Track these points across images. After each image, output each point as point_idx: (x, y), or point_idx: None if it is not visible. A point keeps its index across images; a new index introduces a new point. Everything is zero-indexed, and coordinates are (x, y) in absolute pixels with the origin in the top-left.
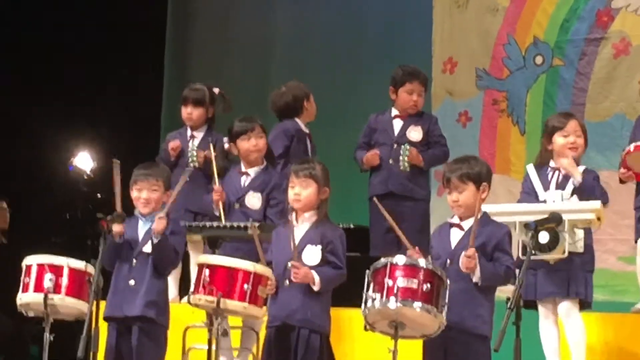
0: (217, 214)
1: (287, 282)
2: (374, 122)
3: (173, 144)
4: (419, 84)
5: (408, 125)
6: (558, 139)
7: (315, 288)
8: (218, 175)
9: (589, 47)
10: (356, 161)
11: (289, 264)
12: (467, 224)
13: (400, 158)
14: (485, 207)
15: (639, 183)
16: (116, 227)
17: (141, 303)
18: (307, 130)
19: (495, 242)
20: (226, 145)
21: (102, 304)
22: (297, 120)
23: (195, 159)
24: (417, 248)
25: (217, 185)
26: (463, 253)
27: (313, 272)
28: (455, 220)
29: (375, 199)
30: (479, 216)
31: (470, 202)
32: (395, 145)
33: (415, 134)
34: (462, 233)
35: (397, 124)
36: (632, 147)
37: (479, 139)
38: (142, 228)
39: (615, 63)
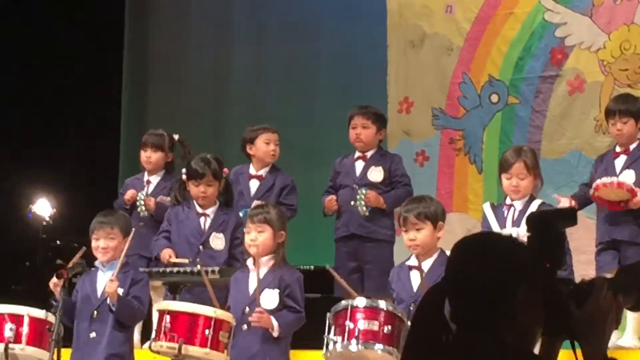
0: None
1: (245, 326)
2: (338, 166)
3: (128, 194)
4: (359, 117)
5: (369, 167)
6: (503, 180)
7: (275, 334)
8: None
9: (544, 85)
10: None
11: (247, 309)
12: (426, 265)
13: (358, 203)
14: (446, 252)
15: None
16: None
17: (103, 355)
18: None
19: None
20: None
21: (63, 352)
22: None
23: (143, 207)
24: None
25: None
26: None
27: (272, 318)
28: (414, 262)
29: (329, 269)
30: (436, 255)
31: (428, 241)
32: (355, 186)
33: (376, 174)
34: (420, 275)
35: (359, 166)
36: (600, 183)
37: (436, 178)
38: (101, 279)
39: (571, 100)
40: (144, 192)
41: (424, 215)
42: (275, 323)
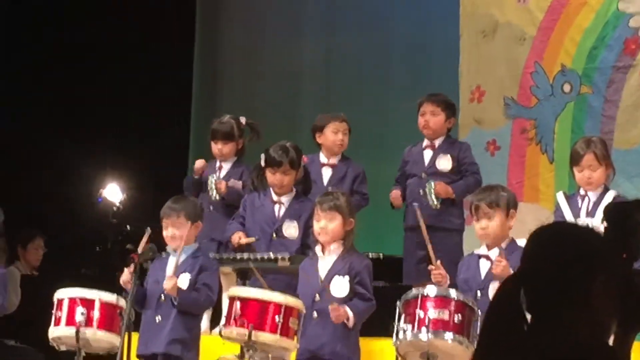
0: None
1: (315, 314)
2: (407, 155)
3: (198, 163)
4: (428, 104)
5: (437, 155)
6: (575, 172)
7: (350, 324)
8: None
9: (617, 75)
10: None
11: (317, 297)
12: (494, 253)
13: (428, 197)
14: (518, 240)
15: None
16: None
17: (166, 340)
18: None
19: None
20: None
21: (134, 336)
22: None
23: (214, 191)
24: (438, 264)
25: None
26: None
27: (347, 308)
28: (483, 251)
29: (415, 205)
30: (504, 245)
31: (499, 230)
32: (424, 175)
33: (444, 163)
34: (489, 263)
35: (427, 155)
36: None
37: (507, 167)
38: (171, 264)
39: None
40: (216, 176)
41: (495, 204)
42: (350, 314)
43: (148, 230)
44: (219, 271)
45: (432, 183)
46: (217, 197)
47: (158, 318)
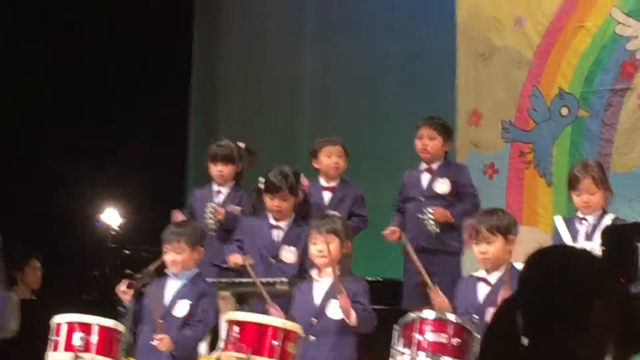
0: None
1: (313, 337)
2: (406, 178)
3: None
4: (426, 128)
5: (435, 178)
6: (573, 197)
7: (352, 322)
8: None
9: (615, 98)
10: None
11: (314, 320)
12: (494, 277)
13: (427, 223)
14: (515, 264)
15: None
16: (123, 290)
17: None
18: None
19: None
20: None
21: None
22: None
23: (212, 218)
24: (436, 288)
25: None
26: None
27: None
28: (482, 274)
29: (403, 235)
30: (503, 269)
31: (499, 255)
32: (422, 199)
33: (441, 186)
34: (489, 288)
35: (425, 178)
36: None
37: (506, 191)
38: (170, 286)
39: None
40: (214, 202)
41: (495, 228)
42: (353, 313)
43: (159, 260)
44: (217, 296)
45: (430, 209)
46: (214, 226)
47: (155, 342)
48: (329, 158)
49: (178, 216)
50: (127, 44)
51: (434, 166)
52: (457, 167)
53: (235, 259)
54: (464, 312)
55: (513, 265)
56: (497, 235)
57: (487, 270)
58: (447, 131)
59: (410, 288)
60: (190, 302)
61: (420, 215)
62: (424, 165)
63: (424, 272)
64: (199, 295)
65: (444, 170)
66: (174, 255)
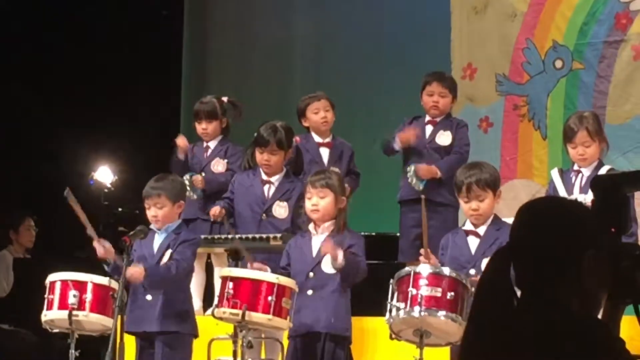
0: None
1: (310, 291)
2: (409, 124)
3: (180, 141)
4: (438, 85)
5: (438, 130)
6: (569, 149)
7: (337, 263)
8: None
9: (609, 50)
10: (385, 147)
11: (311, 274)
12: (482, 230)
13: (410, 180)
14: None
15: None
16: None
17: (160, 317)
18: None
19: None
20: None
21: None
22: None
23: (191, 189)
24: (428, 251)
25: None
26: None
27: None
28: (470, 227)
29: (422, 199)
30: (490, 221)
31: (489, 210)
32: (423, 150)
33: (444, 138)
34: (478, 240)
35: (429, 129)
36: None
37: (500, 144)
38: (157, 240)
39: (636, 65)
40: (189, 174)
41: (485, 184)
42: (340, 254)
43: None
44: (197, 245)
45: (413, 166)
46: (195, 196)
47: (148, 297)
48: (316, 114)
49: (182, 142)
50: (118, 8)
51: (437, 119)
52: (458, 122)
53: (214, 211)
54: (457, 267)
55: (497, 216)
56: (488, 192)
57: (475, 224)
58: (455, 89)
59: (406, 242)
60: (171, 251)
61: (421, 161)
62: (427, 118)
63: (425, 230)
64: (179, 244)
65: (446, 124)
66: (155, 210)
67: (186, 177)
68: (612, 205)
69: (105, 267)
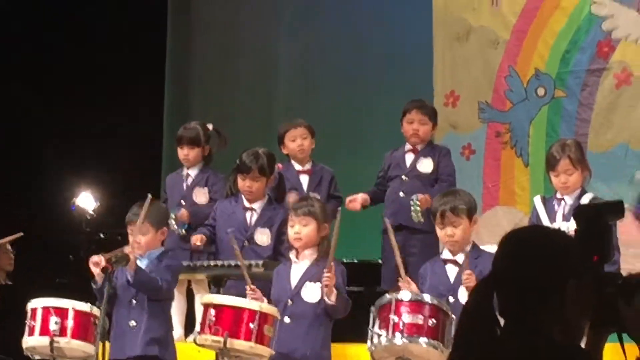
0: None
1: (288, 319)
2: (388, 158)
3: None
4: (417, 113)
5: (418, 158)
6: (552, 177)
7: (331, 299)
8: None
9: (591, 78)
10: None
11: (289, 302)
12: (460, 257)
13: (413, 214)
14: (486, 248)
15: None
16: (95, 271)
17: (142, 342)
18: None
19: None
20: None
21: (108, 345)
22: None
23: (175, 226)
24: (407, 279)
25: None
26: (464, 275)
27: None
28: (448, 255)
29: (385, 219)
30: (468, 248)
31: (465, 236)
32: (404, 178)
33: (425, 165)
34: (457, 269)
35: (409, 158)
36: None
37: (483, 171)
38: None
39: (618, 93)
40: (172, 210)
41: (460, 211)
42: (335, 292)
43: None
44: (178, 271)
45: (415, 197)
46: (182, 231)
47: (132, 323)
48: (293, 142)
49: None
50: (101, 23)
51: (419, 147)
52: (441, 149)
53: (195, 239)
54: (438, 295)
55: (476, 245)
56: (463, 218)
57: (451, 251)
58: (435, 116)
59: (389, 269)
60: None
61: (402, 190)
62: (408, 146)
63: (399, 259)
64: (163, 266)
65: (428, 151)
66: (139, 237)
67: (171, 217)
68: (595, 233)
69: (93, 285)
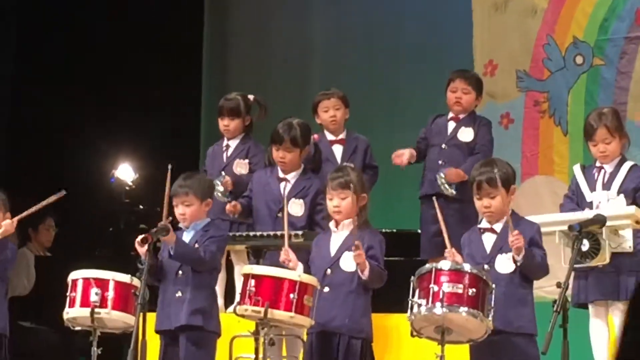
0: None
1: (327, 288)
2: (431, 124)
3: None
4: (461, 82)
5: (460, 127)
6: (590, 146)
7: (364, 275)
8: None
9: (629, 46)
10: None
11: (329, 271)
12: (498, 226)
13: (441, 187)
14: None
15: None
16: (141, 249)
17: (187, 312)
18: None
19: (529, 238)
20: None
21: (149, 316)
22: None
23: (220, 193)
24: (453, 251)
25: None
26: (510, 235)
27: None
28: (485, 224)
29: (434, 199)
30: (508, 216)
31: (502, 207)
32: (444, 146)
33: (465, 135)
34: (495, 236)
35: (451, 126)
36: None
37: (521, 140)
38: (185, 239)
39: None
40: (220, 178)
41: (496, 182)
42: (368, 265)
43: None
44: (224, 242)
45: (442, 173)
46: (226, 199)
47: (178, 294)
48: (326, 112)
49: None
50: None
51: (461, 116)
52: (481, 119)
53: (229, 207)
54: (473, 264)
55: (515, 213)
56: (499, 189)
57: (490, 222)
58: (480, 86)
59: (427, 239)
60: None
61: (441, 157)
62: (450, 114)
63: (445, 233)
64: (208, 238)
65: (469, 121)
66: (183, 209)
67: (217, 181)
68: None
69: (139, 265)
